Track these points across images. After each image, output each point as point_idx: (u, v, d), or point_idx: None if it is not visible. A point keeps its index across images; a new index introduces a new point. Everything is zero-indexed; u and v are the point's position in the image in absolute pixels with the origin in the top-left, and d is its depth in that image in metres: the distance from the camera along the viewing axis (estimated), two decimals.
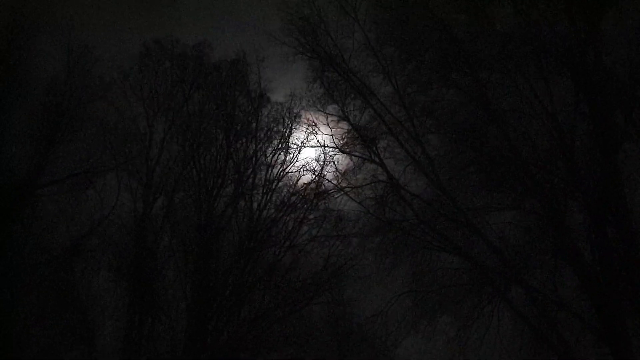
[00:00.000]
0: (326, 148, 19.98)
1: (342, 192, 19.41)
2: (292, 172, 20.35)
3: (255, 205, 20.06)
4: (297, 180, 20.29)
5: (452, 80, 17.58)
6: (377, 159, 19.01)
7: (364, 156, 19.18)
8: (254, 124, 20.37)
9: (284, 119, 20.63)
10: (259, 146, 20.15)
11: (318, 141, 20.13)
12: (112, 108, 19.37)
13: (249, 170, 20.09)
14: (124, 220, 19.22)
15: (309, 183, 20.07)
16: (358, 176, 19.41)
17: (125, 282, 19.00)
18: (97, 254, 18.80)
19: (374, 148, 19.15)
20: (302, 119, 20.42)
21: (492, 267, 17.30)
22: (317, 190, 19.93)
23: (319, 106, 19.88)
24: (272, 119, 20.48)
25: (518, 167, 16.89)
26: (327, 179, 20.18)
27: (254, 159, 20.00)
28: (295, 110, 20.44)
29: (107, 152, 19.18)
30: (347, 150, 19.62)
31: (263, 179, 20.23)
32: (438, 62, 17.51)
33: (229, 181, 19.88)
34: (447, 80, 17.62)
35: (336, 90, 19.40)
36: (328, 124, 20.15)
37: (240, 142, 20.12)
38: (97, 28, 20.16)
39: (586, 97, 16.66)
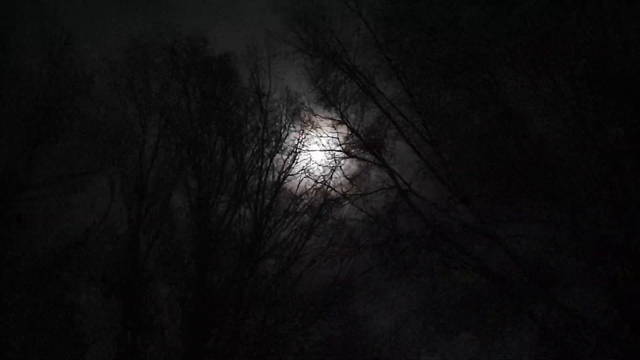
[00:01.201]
0: (331, 151, 19.56)
1: (348, 201, 18.81)
2: (294, 175, 19.90)
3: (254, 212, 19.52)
4: (299, 184, 19.82)
5: (467, 79, 17.02)
6: (385, 164, 18.49)
7: (373, 161, 18.64)
8: (252, 123, 19.86)
9: (281, 118, 20.04)
10: (262, 147, 19.67)
11: (324, 145, 19.59)
12: (102, 105, 18.83)
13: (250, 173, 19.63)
14: (116, 228, 18.66)
15: (314, 188, 19.58)
16: (366, 182, 19.11)
17: (116, 296, 18.32)
18: (87, 264, 18.15)
19: (378, 152, 18.61)
20: (302, 120, 19.94)
21: (516, 281, 16.63)
22: (325, 197, 19.37)
23: (319, 109, 19.47)
24: (271, 119, 19.94)
25: (542, 174, 16.35)
26: (330, 186, 19.56)
27: (259, 160, 19.49)
28: (292, 107, 19.90)
29: (97, 153, 18.65)
30: (354, 154, 19.11)
31: (264, 183, 19.72)
32: (451, 60, 17.03)
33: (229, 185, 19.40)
34: (461, 79, 17.05)
35: (338, 91, 18.91)
36: (334, 127, 19.55)
37: (240, 143, 19.63)
38: (82, 17, 19.56)
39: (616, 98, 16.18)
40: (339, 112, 19.08)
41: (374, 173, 18.78)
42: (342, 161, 19.25)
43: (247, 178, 19.50)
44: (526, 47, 15.94)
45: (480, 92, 16.64)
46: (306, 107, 19.56)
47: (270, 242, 19.10)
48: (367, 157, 18.89)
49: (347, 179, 19.27)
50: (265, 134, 19.61)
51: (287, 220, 19.33)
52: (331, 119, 19.23)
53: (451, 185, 17.04)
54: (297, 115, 19.74)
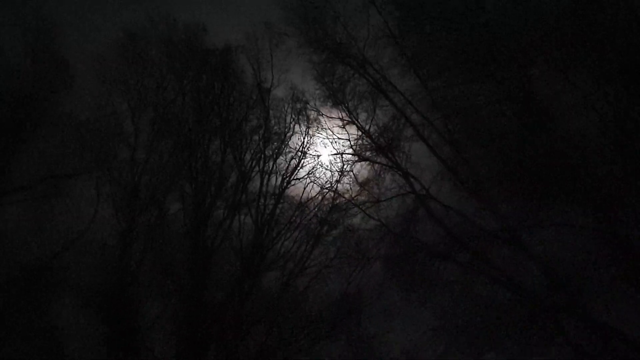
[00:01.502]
0: (340, 154, 18.40)
1: (359, 209, 17.61)
2: (299, 179, 18.76)
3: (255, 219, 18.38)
4: (304, 189, 18.69)
5: (493, 71, 15.73)
6: (400, 167, 17.31)
7: (387, 164, 17.43)
8: (254, 122, 18.66)
9: (285, 117, 18.83)
10: (264, 148, 18.51)
11: (333, 147, 18.38)
12: (90, 101, 17.68)
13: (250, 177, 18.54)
14: (103, 238, 17.35)
15: (321, 194, 18.43)
16: (379, 188, 17.89)
17: (104, 312, 17.00)
18: (69, 279, 16.81)
19: (392, 154, 17.44)
20: (308, 119, 18.76)
21: (545, 295, 15.43)
22: (333, 203, 18.05)
23: (326, 108, 18.35)
24: (274, 117, 18.77)
25: (575, 176, 15.18)
26: (339, 193, 18.33)
27: (261, 163, 18.26)
28: (297, 105, 18.72)
29: (83, 153, 17.35)
30: (366, 157, 17.91)
31: (266, 187, 18.58)
32: (475, 50, 15.84)
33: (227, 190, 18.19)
34: (486, 71, 15.79)
35: (346, 87, 17.77)
36: (343, 127, 18.37)
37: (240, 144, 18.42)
38: (69, 6, 18.26)
39: None
40: (347, 111, 17.80)
41: (388, 177, 17.63)
42: (353, 165, 18.11)
43: (247, 182, 18.45)
44: (556, 35, 14.73)
45: (507, 85, 15.40)
46: (312, 106, 18.41)
47: (273, 253, 18.06)
48: (379, 159, 17.71)
49: (359, 184, 17.93)
50: (268, 134, 18.55)
51: (291, 229, 18.18)
52: (339, 118, 17.86)
53: (473, 188, 15.94)
54: (303, 114, 18.64)
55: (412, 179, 17.12)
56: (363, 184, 18.00)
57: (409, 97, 16.95)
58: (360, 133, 18.07)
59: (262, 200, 18.28)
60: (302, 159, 18.84)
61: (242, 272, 17.67)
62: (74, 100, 17.45)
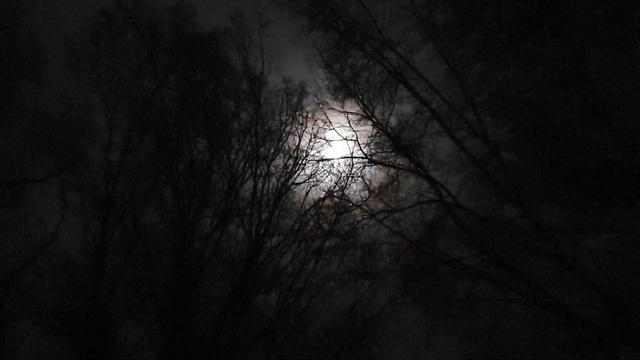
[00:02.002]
0: (349, 158, 16.24)
1: (376, 218, 15.54)
2: (298, 184, 16.85)
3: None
4: (306, 195, 16.79)
5: (540, 56, 13.78)
6: (424, 170, 15.27)
7: (409, 168, 15.41)
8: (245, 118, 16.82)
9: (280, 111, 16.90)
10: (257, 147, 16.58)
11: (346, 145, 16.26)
12: (57, 93, 15.81)
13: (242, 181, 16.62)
14: (71, 252, 15.62)
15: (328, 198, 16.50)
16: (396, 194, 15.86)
17: (72, 339, 15.29)
18: (31, 300, 15.17)
19: (415, 155, 15.40)
20: (309, 113, 16.79)
21: (595, 318, 13.57)
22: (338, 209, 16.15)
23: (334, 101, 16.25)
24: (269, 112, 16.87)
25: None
26: (348, 199, 16.39)
27: (253, 165, 16.34)
28: (296, 97, 16.87)
29: (48, 154, 15.61)
30: (381, 159, 15.86)
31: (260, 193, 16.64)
32: (513, 30, 13.74)
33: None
34: (532, 55, 13.85)
35: (360, 77, 15.77)
36: (350, 124, 16.27)
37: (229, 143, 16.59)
38: None
39: None
40: (361, 104, 15.74)
41: (407, 181, 15.69)
42: (363, 168, 16.01)
43: (239, 187, 16.55)
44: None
45: (559, 70, 13.28)
46: (318, 99, 16.29)
47: (270, 269, 16.23)
48: (398, 161, 15.71)
49: (370, 191, 15.89)
50: (262, 131, 16.66)
51: (290, 241, 16.33)
52: (352, 113, 15.97)
53: (511, 194, 14.02)
54: (303, 108, 16.73)
55: (437, 185, 15.12)
56: (377, 190, 15.94)
57: (435, 87, 14.93)
58: (376, 130, 15.97)
59: (255, 208, 16.15)
60: (303, 160, 16.66)
61: (234, 291, 15.83)
62: (38, 91, 15.56)
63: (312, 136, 16.65)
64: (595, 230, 13.52)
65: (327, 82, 16.25)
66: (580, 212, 13.86)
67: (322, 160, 16.48)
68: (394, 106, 15.71)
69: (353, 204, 16.24)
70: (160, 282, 15.72)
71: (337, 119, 16.51)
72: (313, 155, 16.72)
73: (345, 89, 16.02)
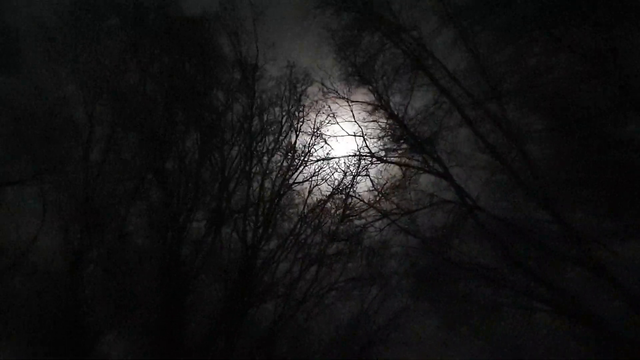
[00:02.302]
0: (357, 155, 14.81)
1: (390, 221, 14.16)
2: (299, 182, 15.38)
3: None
4: (308, 194, 15.24)
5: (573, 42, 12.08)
6: (439, 168, 13.82)
7: (430, 169, 13.93)
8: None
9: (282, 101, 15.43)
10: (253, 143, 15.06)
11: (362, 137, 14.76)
12: (32, 85, 14.35)
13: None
14: (49, 261, 14.26)
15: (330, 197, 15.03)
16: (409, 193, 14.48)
17: (50, 353, 14.09)
18: (8, 308, 13.97)
19: (433, 150, 13.93)
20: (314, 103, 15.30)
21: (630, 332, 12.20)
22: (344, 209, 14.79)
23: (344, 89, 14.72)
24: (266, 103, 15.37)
25: None
26: (358, 197, 14.94)
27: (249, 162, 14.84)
28: (300, 88, 15.34)
29: (23, 154, 14.31)
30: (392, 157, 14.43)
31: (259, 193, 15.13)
32: (542, 12, 12.09)
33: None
34: (566, 41, 12.10)
35: (374, 63, 14.23)
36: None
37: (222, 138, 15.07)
38: None
39: None
40: (375, 92, 14.36)
41: (422, 180, 14.32)
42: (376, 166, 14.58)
43: (234, 188, 15.06)
44: None
45: (590, 55, 11.65)
46: (326, 88, 14.77)
47: (267, 277, 14.83)
48: (412, 158, 14.33)
49: (380, 192, 14.40)
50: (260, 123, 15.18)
51: (288, 247, 14.88)
52: (366, 102, 14.54)
53: (539, 194, 12.57)
54: (306, 97, 15.23)
55: (455, 183, 13.69)
56: (389, 190, 14.47)
57: (456, 75, 13.43)
58: (389, 122, 14.51)
59: (253, 210, 14.71)
60: (306, 156, 15.20)
61: (227, 302, 14.37)
62: (12, 83, 14.05)
63: (316, 130, 15.24)
64: (630, 236, 12.10)
65: (336, 69, 14.77)
66: (614, 216, 12.42)
67: (326, 159, 15.06)
68: (412, 94, 14.12)
69: (365, 202, 14.88)
70: (146, 293, 14.23)
71: (344, 113, 15.09)
72: (316, 151, 15.34)
73: (357, 75, 14.48)
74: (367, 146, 14.62)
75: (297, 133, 14.92)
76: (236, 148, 14.95)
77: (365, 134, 14.67)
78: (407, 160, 14.11)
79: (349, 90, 14.73)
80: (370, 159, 14.56)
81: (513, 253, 12.84)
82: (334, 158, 14.62)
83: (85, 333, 13.85)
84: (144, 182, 14.60)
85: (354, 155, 14.73)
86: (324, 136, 14.98)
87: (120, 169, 14.43)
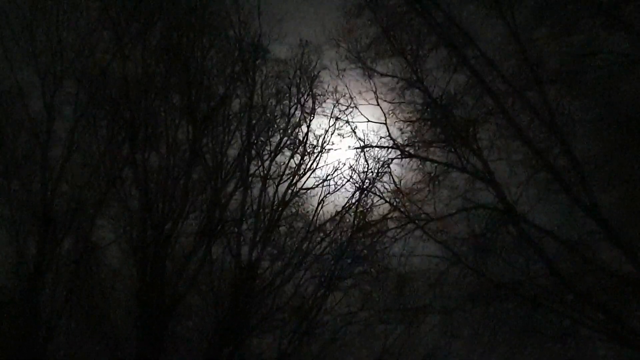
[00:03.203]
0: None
1: (417, 226, 11.85)
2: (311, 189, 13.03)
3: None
4: (320, 203, 12.92)
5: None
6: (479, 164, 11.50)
7: (471, 170, 11.58)
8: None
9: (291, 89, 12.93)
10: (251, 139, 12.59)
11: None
12: None
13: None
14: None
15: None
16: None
17: None
18: None
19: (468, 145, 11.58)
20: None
21: None
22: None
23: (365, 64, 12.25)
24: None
25: None
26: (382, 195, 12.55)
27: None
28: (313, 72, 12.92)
29: None
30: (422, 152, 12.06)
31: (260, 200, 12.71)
32: None
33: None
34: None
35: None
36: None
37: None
38: None
39: None
40: (407, 63, 11.95)
41: (454, 179, 11.99)
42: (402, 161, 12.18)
43: (225, 195, 12.60)
44: None
45: None
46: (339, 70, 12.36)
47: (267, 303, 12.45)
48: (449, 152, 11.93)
49: (401, 191, 12.16)
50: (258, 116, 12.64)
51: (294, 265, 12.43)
52: (396, 77, 12.10)
53: (588, 201, 10.56)
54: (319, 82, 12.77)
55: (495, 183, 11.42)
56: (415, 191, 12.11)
57: (492, 58, 11.03)
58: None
59: (250, 221, 12.30)
60: (318, 154, 12.91)
61: (217, 334, 12.00)
62: None
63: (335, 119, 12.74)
64: None
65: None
66: None
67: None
68: (455, 70, 11.54)
69: (390, 202, 12.37)
70: (119, 321, 11.96)
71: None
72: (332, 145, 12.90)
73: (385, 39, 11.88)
74: (390, 136, 12.20)
75: (309, 125, 12.49)
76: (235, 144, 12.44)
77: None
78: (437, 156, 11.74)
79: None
80: (398, 153, 12.15)
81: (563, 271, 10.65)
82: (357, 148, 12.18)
83: None
84: (118, 186, 11.78)
85: (381, 147, 12.27)
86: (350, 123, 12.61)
87: (87, 170, 11.69)
